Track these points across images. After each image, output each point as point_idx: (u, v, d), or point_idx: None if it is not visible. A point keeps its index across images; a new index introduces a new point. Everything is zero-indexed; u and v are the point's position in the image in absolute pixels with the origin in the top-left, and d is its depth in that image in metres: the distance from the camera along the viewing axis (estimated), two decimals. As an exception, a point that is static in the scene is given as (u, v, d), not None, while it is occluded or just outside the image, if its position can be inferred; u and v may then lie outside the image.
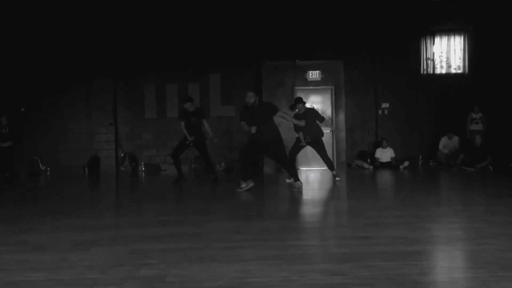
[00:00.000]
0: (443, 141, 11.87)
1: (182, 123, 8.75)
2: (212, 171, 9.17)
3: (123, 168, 12.23)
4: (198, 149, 9.01)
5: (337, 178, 8.74)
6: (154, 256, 3.52)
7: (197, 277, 3.01)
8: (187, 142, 8.77)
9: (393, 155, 11.68)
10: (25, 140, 11.98)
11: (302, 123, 8.29)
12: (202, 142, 8.85)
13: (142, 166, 12.20)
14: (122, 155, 12.40)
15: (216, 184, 8.69)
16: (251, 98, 7.45)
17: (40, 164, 11.99)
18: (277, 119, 7.64)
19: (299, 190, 7.37)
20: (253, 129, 7.36)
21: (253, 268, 3.18)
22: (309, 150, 9.13)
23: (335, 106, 12.18)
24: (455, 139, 11.80)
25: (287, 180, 8.42)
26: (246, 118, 7.48)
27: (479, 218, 4.97)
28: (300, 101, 8.83)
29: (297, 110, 8.75)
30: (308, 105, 9.58)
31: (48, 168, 11.99)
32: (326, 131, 12.14)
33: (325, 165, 8.98)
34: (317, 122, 8.75)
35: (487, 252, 3.52)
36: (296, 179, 7.60)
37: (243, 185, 7.38)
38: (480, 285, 2.79)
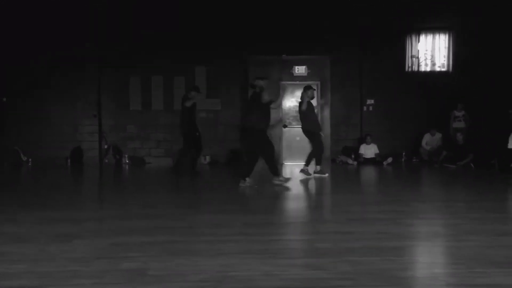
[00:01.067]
0: (426, 138, 12.00)
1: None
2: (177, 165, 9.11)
3: (106, 160, 12.13)
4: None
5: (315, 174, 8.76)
6: (136, 249, 3.51)
7: (179, 271, 3.00)
8: (197, 134, 8.87)
9: (377, 151, 11.76)
10: (7, 130, 11.80)
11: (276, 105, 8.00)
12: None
13: (126, 159, 12.11)
14: (106, 147, 12.29)
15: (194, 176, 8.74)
16: (263, 85, 7.38)
17: (22, 155, 11.82)
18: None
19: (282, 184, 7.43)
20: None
21: (235, 262, 3.18)
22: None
23: (321, 102, 12.21)
24: (438, 136, 11.93)
25: (315, 175, 8.57)
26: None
27: (460, 215, 5.04)
28: (310, 88, 8.81)
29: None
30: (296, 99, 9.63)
31: (30, 159, 11.84)
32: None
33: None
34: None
35: (466, 248, 3.57)
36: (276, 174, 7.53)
37: (246, 182, 7.19)
38: (459, 281, 2.83)
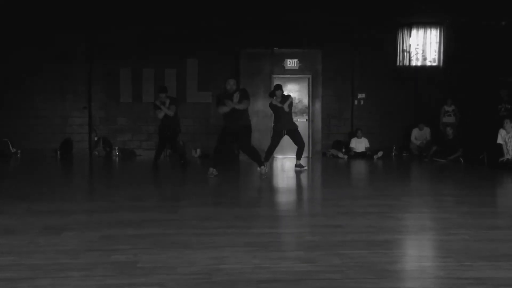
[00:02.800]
0: (415, 132, 12.07)
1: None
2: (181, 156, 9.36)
3: (96, 153, 12.06)
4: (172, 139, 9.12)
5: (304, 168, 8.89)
6: (126, 242, 3.49)
7: (169, 263, 3.00)
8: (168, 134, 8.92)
9: (368, 145, 11.81)
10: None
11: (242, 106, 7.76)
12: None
13: (116, 151, 12.05)
14: (96, 139, 12.22)
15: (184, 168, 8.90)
16: (233, 85, 7.52)
17: (11, 146, 11.72)
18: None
19: (267, 176, 7.59)
20: (226, 108, 7.42)
21: (226, 254, 3.19)
22: (285, 139, 9.12)
23: (312, 95, 12.22)
24: (426, 130, 12.00)
25: (297, 168, 8.73)
26: (223, 104, 7.49)
27: (449, 209, 5.08)
28: (279, 88, 8.84)
29: (275, 97, 8.77)
30: (285, 92, 9.58)
31: (19, 151, 11.74)
32: (303, 120, 12.24)
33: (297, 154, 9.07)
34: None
35: (455, 241, 3.60)
36: (261, 164, 7.69)
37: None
38: (447, 274, 2.86)
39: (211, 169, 7.52)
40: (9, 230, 3.86)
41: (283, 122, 8.75)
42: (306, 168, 9.06)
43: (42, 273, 2.80)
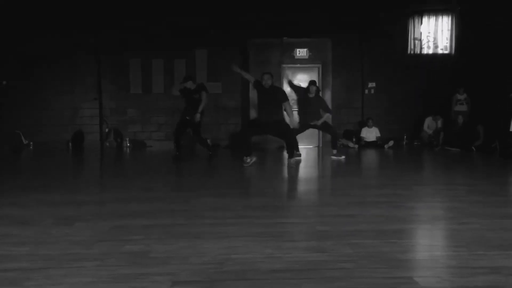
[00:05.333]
0: (427, 121, 11.98)
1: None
2: (207, 148, 9.36)
3: (107, 144, 12.14)
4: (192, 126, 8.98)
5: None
6: (138, 232, 3.52)
7: (181, 253, 3.02)
8: (187, 118, 8.81)
9: (378, 134, 11.76)
10: (7, 114, 11.79)
11: (295, 119, 8.38)
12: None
13: (127, 142, 12.12)
14: (106, 130, 12.29)
15: (211, 159, 8.91)
16: (268, 80, 7.66)
17: (23, 139, 11.84)
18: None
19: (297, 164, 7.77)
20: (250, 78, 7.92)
21: (237, 244, 3.20)
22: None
23: (322, 85, 12.14)
24: (440, 120, 11.91)
25: (333, 157, 8.89)
26: (258, 92, 7.79)
27: (460, 198, 5.05)
28: (314, 84, 9.06)
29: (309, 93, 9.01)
30: (296, 82, 9.67)
31: (31, 143, 11.85)
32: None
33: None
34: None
35: (467, 231, 3.58)
36: (292, 155, 7.83)
37: (248, 160, 7.68)
38: (459, 263, 2.84)
39: (247, 158, 7.67)
40: (23, 221, 3.90)
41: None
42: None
43: (55, 264, 2.83)
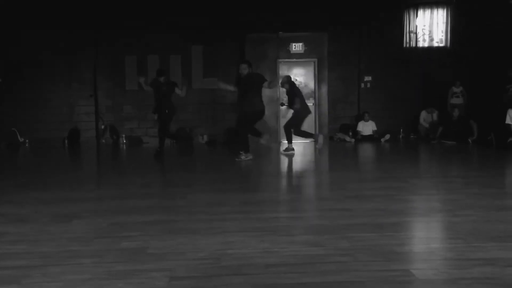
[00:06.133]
0: (423, 115, 12.00)
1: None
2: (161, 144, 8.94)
3: (103, 141, 12.11)
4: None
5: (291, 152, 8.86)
6: (135, 228, 3.52)
7: (178, 249, 3.02)
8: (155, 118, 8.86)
9: (375, 128, 11.76)
10: (3, 111, 11.74)
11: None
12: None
13: (123, 139, 12.09)
14: (102, 127, 12.26)
15: (158, 157, 8.57)
16: (244, 69, 7.66)
17: (19, 136, 11.80)
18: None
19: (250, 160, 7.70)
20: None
21: (234, 239, 3.20)
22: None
23: (318, 79, 12.15)
24: (435, 113, 11.93)
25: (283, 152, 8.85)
26: (238, 85, 7.87)
27: (457, 190, 5.07)
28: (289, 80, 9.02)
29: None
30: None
31: (27, 140, 11.82)
32: (309, 104, 12.18)
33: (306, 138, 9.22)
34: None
35: (464, 223, 3.60)
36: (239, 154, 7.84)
37: (243, 156, 7.67)
38: (456, 255, 2.86)
39: (244, 154, 7.68)
40: (20, 219, 3.90)
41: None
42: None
43: (53, 261, 2.83)
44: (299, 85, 9.65)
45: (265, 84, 7.71)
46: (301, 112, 8.70)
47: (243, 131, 7.93)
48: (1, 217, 3.97)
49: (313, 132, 9.52)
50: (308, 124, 12.16)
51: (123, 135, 12.14)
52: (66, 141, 11.83)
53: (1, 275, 2.61)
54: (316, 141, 8.96)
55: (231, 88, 8.37)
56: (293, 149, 8.91)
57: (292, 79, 9.32)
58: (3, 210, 4.26)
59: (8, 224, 3.75)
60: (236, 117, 7.81)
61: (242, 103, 7.76)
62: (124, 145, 11.80)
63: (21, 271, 2.65)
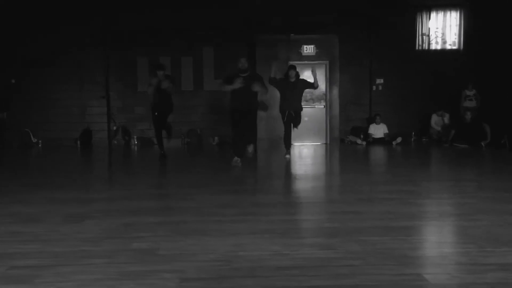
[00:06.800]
0: (434, 118, 11.92)
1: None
2: (168, 134, 8.98)
3: (115, 142, 12.18)
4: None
5: (287, 156, 8.52)
6: (146, 229, 3.53)
7: (189, 250, 3.02)
8: (155, 114, 8.60)
9: (386, 131, 11.70)
10: (16, 112, 11.87)
11: (265, 90, 7.93)
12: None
13: (135, 140, 12.16)
14: (114, 128, 12.33)
15: (163, 160, 8.53)
16: (245, 63, 7.50)
17: (32, 136, 11.92)
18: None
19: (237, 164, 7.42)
20: (238, 84, 7.37)
21: (244, 241, 3.19)
22: (302, 125, 9.06)
23: (329, 82, 12.12)
24: (446, 116, 11.84)
25: (287, 156, 8.44)
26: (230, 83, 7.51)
27: (470, 194, 5.01)
28: (294, 68, 8.58)
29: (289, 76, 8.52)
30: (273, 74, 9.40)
31: (40, 141, 11.93)
32: (320, 106, 12.16)
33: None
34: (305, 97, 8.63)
35: (476, 227, 3.56)
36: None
37: (238, 161, 7.44)
38: (469, 260, 2.82)
39: (235, 158, 7.46)
40: (32, 219, 3.93)
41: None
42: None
43: (64, 261, 2.84)
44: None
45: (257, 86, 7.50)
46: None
47: (233, 139, 7.75)
48: (13, 217, 4.01)
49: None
50: (319, 127, 12.18)
51: (135, 136, 12.21)
52: (78, 142, 11.93)
53: (13, 274, 2.63)
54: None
55: (228, 88, 7.67)
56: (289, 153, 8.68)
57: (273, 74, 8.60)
58: (15, 210, 4.30)
59: (20, 223, 3.78)
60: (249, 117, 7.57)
61: (235, 101, 7.56)
62: (136, 146, 11.86)
63: (33, 271, 2.67)
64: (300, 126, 8.76)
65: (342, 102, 12.31)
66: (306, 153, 9.59)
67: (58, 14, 11.60)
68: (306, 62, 12.03)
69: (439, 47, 11.95)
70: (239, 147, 7.56)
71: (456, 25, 11.82)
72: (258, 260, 2.83)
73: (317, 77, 8.61)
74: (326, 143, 11.98)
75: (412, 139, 12.01)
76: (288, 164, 7.92)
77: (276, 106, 9.02)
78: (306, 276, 2.57)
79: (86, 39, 11.98)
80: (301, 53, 12.04)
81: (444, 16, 11.80)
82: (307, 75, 11.70)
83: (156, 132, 8.84)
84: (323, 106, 12.16)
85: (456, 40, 11.83)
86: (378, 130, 11.74)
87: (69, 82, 12.29)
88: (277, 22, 11.61)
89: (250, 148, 7.77)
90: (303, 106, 8.91)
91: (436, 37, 11.88)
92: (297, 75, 8.55)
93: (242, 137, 7.61)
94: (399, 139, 11.49)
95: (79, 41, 11.95)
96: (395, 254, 2.91)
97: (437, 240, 3.44)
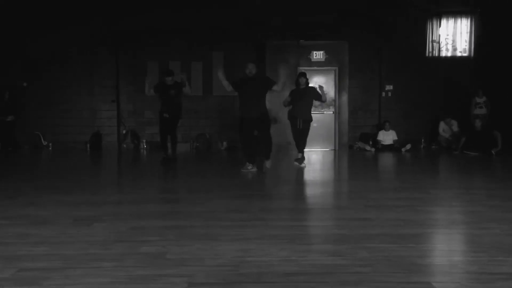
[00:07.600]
0: (442, 125, 11.86)
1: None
2: (172, 150, 8.92)
3: (125, 145, 12.25)
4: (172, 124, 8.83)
5: (303, 165, 8.32)
6: (154, 233, 3.54)
7: (197, 255, 3.02)
8: (165, 116, 8.69)
9: (396, 137, 11.66)
10: (27, 115, 11.98)
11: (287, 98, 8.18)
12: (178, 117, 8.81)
13: (144, 144, 12.21)
14: (124, 132, 12.40)
15: (166, 164, 8.55)
16: (253, 69, 7.34)
17: (42, 139, 12.02)
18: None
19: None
20: (229, 87, 7.44)
21: (253, 247, 3.19)
22: (311, 131, 9.02)
23: (339, 88, 12.11)
24: (454, 123, 11.77)
25: (296, 163, 8.36)
26: (237, 88, 7.45)
27: (480, 202, 4.97)
28: (304, 75, 8.53)
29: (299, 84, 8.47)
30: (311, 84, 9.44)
31: (50, 144, 12.02)
32: (329, 112, 12.14)
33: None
34: (314, 103, 8.58)
35: (487, 236, 3.52)
36: (268, 157, 7.56)
37: (249, 167, 7.39)
38: (479, 269, 2.80)
39: (247, 164, 7.39)
40: (41, 221, 3.95)
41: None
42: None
43: (73, 263, 2.85)
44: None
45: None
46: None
47: (242, 143, 7.65)
48: (23, 219, 4.03)
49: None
50: (328, 133, 12.16)
51: (144, 140, 12.26)
52: (88, 145, 12.00)
53: (22, 276, 2.65)
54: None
55: (225, 83, 7.63)
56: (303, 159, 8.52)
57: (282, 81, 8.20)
58: (25, 212, 4.33)
59: (29, 226, 3.81)
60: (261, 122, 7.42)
61: (242, 108, 7.46)
62: (145, 150, 11.91)
63: (42, 273, 2.68)
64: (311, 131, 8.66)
65: (351, 108, 12.29)
66: (314, 159, 9.57)
67: (71, 17, 11.71)
68: (315, 68, 12.04)
69: (449, 54, 11.90)
70: (251, 153, 7.45)
71: (467, 32, 11.77)
72: (266, 265, 2.82)
73: (325, 90, 8.55)
74: (334, 149, 11.95)
75: (422, 146, 11.95)
76: (297, 170, 7.90)
77: (285, 111, 9.00)
78: (314, 282, 2.56)
79: (97, 44, 12.08)
80: (310, 59, 12.04)
81: (455, 23, 11.76)
82: (315, 81, 11.74)
83: (161, 134, 8.88)
84: (332, 112, 12.14)
85: (467, 47, 11.78)
86: (387, 137, 11.69)
87: (80, 86, 12.39)
88: (287, 27, 11.63)
89: (268, 164, 7.53)
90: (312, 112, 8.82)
91: (447, 44, 11.84)
92: (307, 82, 8.53)
93: (251, 142, 7.51)
94: (408, 146, 11.43)
95: (90, 45, 12.05)
96: (404, 262, 2.89)
97: (447, 248, 3.41)
